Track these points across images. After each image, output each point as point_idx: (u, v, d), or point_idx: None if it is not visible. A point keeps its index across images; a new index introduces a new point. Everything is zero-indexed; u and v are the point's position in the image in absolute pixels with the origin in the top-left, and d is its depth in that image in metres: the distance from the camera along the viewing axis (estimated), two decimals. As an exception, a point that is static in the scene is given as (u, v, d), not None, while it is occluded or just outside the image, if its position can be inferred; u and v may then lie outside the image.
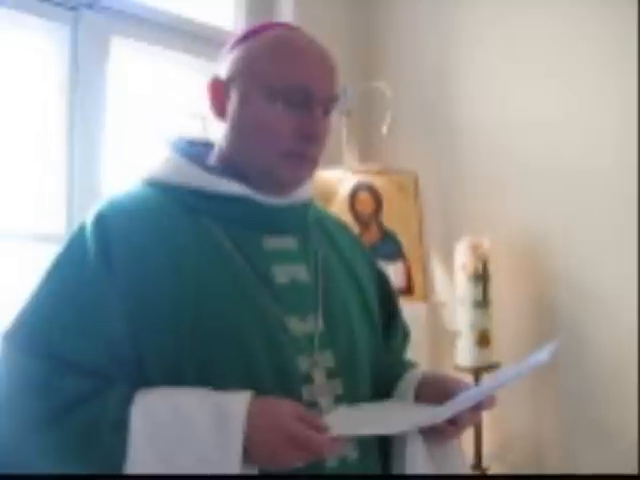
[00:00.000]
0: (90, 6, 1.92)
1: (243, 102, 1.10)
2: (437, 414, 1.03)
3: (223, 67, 1.14)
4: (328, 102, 1.11)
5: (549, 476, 2.07)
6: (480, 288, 2.09)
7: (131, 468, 0.89)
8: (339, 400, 1.06)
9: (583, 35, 2.06)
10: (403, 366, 1.25)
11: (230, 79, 1.11)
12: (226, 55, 1.15)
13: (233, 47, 1.15)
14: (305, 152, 1.09)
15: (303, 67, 1.08)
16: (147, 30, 2.06)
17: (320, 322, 1.09)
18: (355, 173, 2.24)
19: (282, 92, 1.07)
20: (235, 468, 0.90)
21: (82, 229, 1.05)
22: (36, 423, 0.93)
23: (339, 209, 2.14)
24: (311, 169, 1.14)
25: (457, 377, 1.23)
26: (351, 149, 2.31)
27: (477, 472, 2.07)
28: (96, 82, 1.93)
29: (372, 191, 2.23)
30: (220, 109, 1.13)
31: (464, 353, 2.09)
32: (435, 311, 2.36)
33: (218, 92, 1.12)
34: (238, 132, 1.11)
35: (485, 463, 2.09)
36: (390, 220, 2.23)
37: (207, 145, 1.20)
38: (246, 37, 1.14)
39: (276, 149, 1.08)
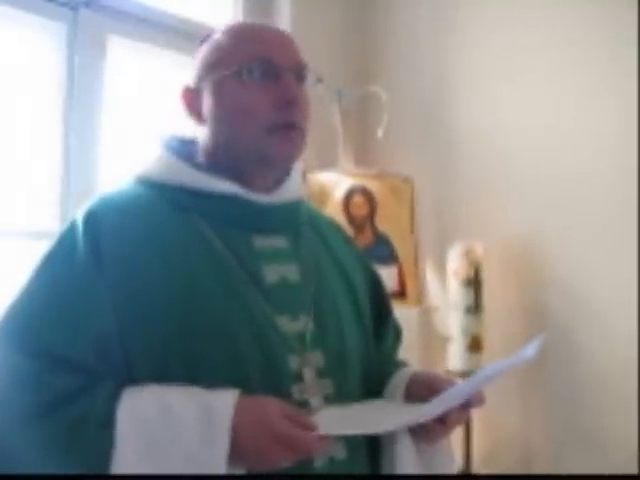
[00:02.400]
0: (88, 5, 1.93)
1: (216, 92, 1.11)
2: (424, 413, 1.03)
3: (190, 75, 1.17)
4: (296, 69, 1.12)
5: (540, 476, 2.06)
6: (472, 293, 2.10)
7: (118, 465, 0.89)
8: (329, 399, 1.06)
9: (581, 39, 2.06)
10: (394, 365, 1.25)
11: (200, 79, 1.14)
12: (192, 65, 1.18)
13: (195, 55, 1.18)
14: (288, 120, 1.09)
15: (262, 41, 1.11)
16: (145, 30, 2.07)
17: (310, 321, 1.09)
18: (350, 176, 2.25)
19: (248, 68, 1.08)
20: (221, 465, 0.89)
21: (72, 225, 1.05)
22: (24, 418, 0.92)
23: (333, 212, 2.14)
24: (299, 140, 1.12)
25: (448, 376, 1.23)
26: (347, 152, 2.31)
27: (466, 477, 2.07)
28: (93, 81, 1.93)
29: (367, 194, 2.23)
30: (198, 114, 1.14)
31: (456, 358, 2.09)
32: (427, 315, 2.37)
33: (192, 98, 1.14)
34: (219, 123, 1.11)
35: (474, 468, 2.09)
36: (384, 224, 2.23)
37: (198, 143, 1.20)
38: (204, 41, 1.17)
39: (259, 125, 1.08)
